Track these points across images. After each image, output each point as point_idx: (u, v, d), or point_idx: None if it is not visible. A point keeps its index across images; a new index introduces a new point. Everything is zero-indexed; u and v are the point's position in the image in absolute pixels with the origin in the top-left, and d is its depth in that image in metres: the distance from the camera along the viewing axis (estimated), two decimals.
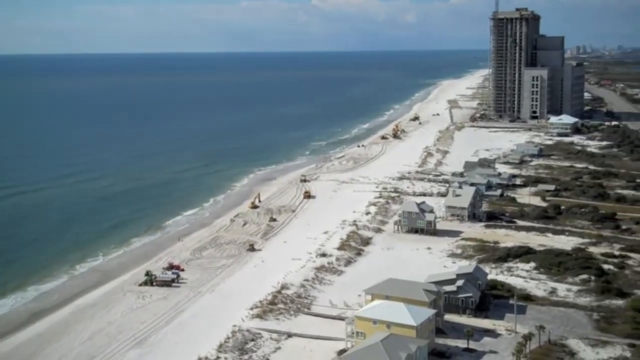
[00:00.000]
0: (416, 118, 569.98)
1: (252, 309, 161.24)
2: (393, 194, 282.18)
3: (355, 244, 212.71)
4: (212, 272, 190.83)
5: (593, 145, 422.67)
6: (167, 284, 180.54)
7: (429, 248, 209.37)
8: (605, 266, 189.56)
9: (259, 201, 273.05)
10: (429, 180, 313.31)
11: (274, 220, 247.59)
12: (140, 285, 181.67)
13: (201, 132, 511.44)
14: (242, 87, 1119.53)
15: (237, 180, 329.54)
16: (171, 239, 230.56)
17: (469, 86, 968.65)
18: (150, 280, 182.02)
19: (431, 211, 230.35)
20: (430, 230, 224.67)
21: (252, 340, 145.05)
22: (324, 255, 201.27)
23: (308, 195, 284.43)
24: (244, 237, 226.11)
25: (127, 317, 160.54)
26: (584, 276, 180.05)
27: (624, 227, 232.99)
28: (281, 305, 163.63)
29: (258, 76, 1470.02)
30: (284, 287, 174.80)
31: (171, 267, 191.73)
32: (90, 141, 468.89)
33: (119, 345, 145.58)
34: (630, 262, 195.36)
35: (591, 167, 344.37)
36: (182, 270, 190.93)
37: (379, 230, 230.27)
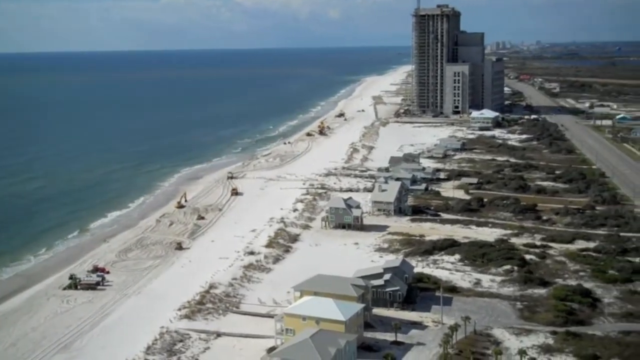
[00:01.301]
0: (341, 114, 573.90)
1: (180, 309, 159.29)
2: (320, 191, 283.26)
3: (283, 241, 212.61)
4: (138, 274, 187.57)
5: (513, 138, 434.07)
6: (92, 287, 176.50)
7: (356, 243, 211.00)
8: (528, 256, 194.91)
9: (185, 201, 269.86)
10: (355, 176, 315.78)
11: (203, 218, 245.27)
12: (65, 289, 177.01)
13: (128, 132, 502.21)
14: (166, 85, 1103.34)
15: (163, 180, 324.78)
16: (96, 241, 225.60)
17: (392, 82, 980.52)
18: (74, 283, 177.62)
19: (358, 206, 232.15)
20: (358, 226, 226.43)
21: (181, 341, 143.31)
22: (252, 253, 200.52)
23: (235, 193, 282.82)
24: (171, 237, 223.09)
25: (51, 322, 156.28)
26: (507, 267, 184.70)
27: (544, 217, 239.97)
28: (210, 305, 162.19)
29: (182, 75, 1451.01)
30: (212, 286, 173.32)
31: (96, 269, 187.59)
32: (14, 143, 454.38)
33: (44, 351, 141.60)
34: (551, 251, 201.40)
35: (512, 160, 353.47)
36: (107, 272, 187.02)
37: (306, 227, 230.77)
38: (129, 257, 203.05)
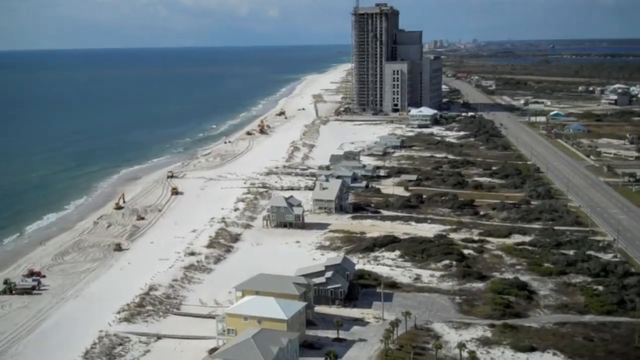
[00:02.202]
0: (282, 113, 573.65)
1: (119, 312, 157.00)
2: (261, 190, 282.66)
3: (224, 241, 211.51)
4: (75, 277, 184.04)
5: (451, 135, 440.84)
6: (27, 291, 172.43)
7: (298, 242, 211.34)
8: (466, 251, 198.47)
9: (124, 202, 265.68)
10: (297, 175, 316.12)
11: (142, 219, 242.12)
12: None
13: (65, 132, 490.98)
14: (104, 84, 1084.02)
15: (102, 181, 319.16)
16: (32, 244, 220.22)
17: (333, 80, 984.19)
18: (9, 288, 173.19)
19: (299, 205, 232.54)
20: (299, 224, 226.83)
21: (120, 344, 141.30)
22: (192, 254, 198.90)
23: (176, 192, 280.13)
24: (109, 239, 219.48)
25: None
26: (446, 262, 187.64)
27: (481, 213, 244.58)
28: (150, 307, 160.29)
29: (120, 73, 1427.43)
30: (152, 288, 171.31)
31: (31, 273, 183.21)
32: None
33: None
34: (488, 246, 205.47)
35: (450, 156, 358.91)
36: (44, 276, 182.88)
37: (248, 226, 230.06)
38: (66, 260, 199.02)
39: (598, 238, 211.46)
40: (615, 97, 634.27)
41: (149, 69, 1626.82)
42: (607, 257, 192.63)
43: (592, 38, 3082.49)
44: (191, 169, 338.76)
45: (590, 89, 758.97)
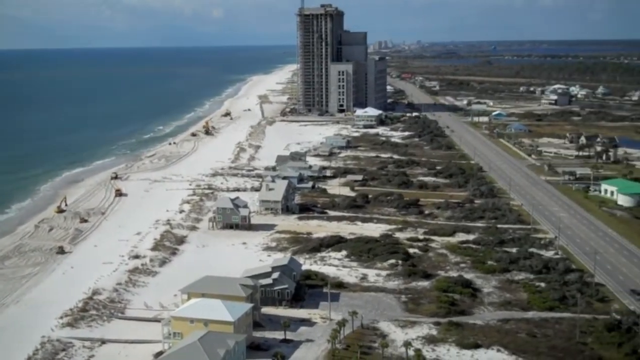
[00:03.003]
0: (227, 114, 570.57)
1: (62, 317, 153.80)
2: (207, 191, 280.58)
3: (169, 244, 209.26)
4: (16, 282, 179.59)
5: (396, 135, 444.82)
6: None
7: (244, 243, 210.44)
8: (411, 250, 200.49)
9: (66, 205, 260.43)
10: (243, 176, 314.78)
11: (86, 221, 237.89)
12: None
13: (5, 134, 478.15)
14: (47, 85, 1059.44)
15: (43, 184, 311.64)
16: None
17: (278, 81, 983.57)
18: None
19: (245, 206, 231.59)
20: (245, 225, 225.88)
21: (63, 350, 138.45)
22: (137, 257, 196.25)
23: (120, 194, 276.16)
24: (51, 243, 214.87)
25: None
26: (392, 261, 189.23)
27: (426, 212, 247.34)
28: (93, 312, 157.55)
29: (64, 74, 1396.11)
30: (95, 292, 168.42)
31: None
32: None
33: None
34: (433, 244, 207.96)
35: (395, 156, 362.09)
36: None
37: (193, 228, 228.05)
38: (6, 265, 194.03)
39: (540, 236, 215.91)
40: (555, 97, 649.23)
41: (93, 69, 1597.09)
42: (549, 254, 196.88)
43: (533, 39, 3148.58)
44: (135, 170, 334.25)
45: (531, 89, 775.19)
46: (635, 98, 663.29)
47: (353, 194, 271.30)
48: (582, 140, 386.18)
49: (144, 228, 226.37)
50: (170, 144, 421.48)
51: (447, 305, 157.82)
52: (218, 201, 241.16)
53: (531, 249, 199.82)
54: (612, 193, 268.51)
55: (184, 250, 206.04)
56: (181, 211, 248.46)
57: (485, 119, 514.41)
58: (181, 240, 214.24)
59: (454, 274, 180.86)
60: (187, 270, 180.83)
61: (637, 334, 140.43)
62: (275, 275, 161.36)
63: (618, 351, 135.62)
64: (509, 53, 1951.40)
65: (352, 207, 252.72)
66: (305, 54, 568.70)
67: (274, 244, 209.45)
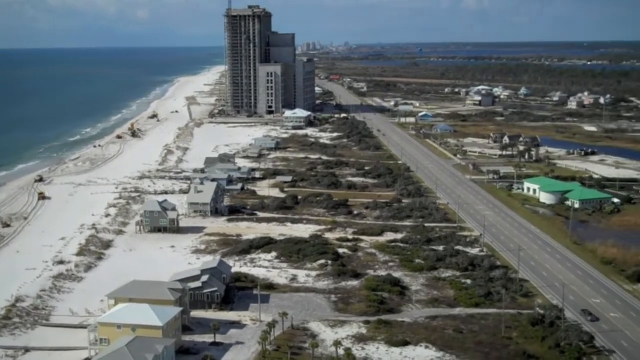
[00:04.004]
0: (154, 116, 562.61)
1: None
2: (134, 194, 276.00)
3: (95, 248, 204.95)
4: None
5: (325, 137, 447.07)
6: None
7: (172, 246, 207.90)
8: (341, 250, 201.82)
9: None
10: (171, 178, 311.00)
11: (8, 226, 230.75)
12: None
13: None
14: None
15: None
16: None
17: (206, 83, 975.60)
18: None
19: (173, 209, 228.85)
20: (174, 228, 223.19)
21: None
22: (62, 262, 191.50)
23: (43, 197, 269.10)
24: None
25: None
26: (322, 261, 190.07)
27: (355, 212, 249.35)
28: (17, 320, 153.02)
29: None
30: (18, 299, 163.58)
31: None
32: None
33: None
34: (362, 244, 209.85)
35: (324, 157, 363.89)
36: None
37: (120, 232, 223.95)
38: None
39: (466, 234, 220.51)
40: (479, 98, 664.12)
41: (15, 71, 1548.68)
42: (475, 251, 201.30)
43: (457, 41, 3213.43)
44: (59, 174, 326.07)
45: (456, 90, 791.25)
46: (556, 99, 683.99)
47: (283, 196, 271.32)
48: (506, 140, 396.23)
49: (68, 233, 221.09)
50: (95, 146, 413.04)
51: (376, 304, 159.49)
52: (145, 204, 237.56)
53: (457, 247, 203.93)
54: (534, 191, 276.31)
55: (110, 255, 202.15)
56: (107, 215, 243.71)
57: (412, 119, 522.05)
58: (107, 245, 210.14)
59: (382, 273, 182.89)
60: (114, 275, 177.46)
61: (559, 327, 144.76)
62: (205, 278, 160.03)
63: (542, 345, 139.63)
64: (434, 55, 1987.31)
65: (282, 208, 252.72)
66: (233, 55, 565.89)
67: (203, 247, 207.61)
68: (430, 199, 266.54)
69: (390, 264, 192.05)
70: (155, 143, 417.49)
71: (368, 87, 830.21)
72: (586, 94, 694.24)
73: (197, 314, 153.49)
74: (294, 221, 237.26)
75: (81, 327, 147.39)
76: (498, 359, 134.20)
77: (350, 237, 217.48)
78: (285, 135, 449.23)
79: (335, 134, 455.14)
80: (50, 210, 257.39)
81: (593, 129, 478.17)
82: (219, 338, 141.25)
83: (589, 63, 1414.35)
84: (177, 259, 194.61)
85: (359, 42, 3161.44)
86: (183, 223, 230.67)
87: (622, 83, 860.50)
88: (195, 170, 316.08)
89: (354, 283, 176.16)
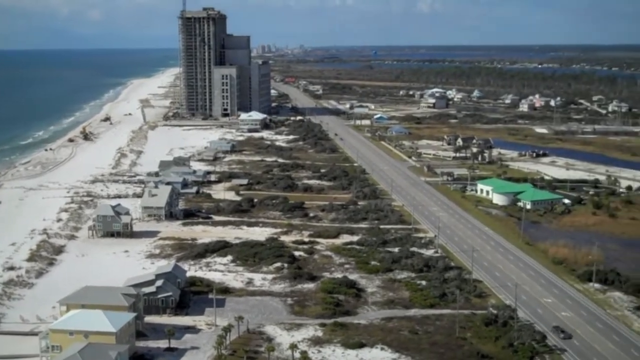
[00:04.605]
0: (107, 118, 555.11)
1: None
2: (86, 198, 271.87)
3: (46, 254, 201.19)
4: None
5: (281, 139, 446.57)
6: None
7: (126, 251, 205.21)
8: (297, 253, 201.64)
9: None
10: (124, 182, 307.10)
11: None
12: None
13: None
14: None
15: None
16: None
17: (160, 85, 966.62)
18: None
19: (127, 213, 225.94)
20: (127, 233, 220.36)
21: None
22: (12, 268, 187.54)
23: None
24: None
25: None
26: (278, 264, 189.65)
27: (311, 214, 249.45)
28: None
29: None
30: None
31: None
32: None
33: None
34: (318, 247, 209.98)
35: (280, 160, 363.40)
36: None
37: (72, 237, 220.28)
38: None
39: (420, 235, 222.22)
40: (433, 100, 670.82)
41: None
42: (429, 253, 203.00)
43: (411, 45, 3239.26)
44: (9, 178, 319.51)
45: (411, 93, 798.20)
46: (507, 101, 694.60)
47: (238, 198, 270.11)
48: (459, 142, 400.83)
49: (19, 238, 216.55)
50: (47, 150, 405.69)
51: (332, 307, 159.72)
52: (98, 208, 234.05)
53: (412, 248, 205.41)
54: (487, 192, 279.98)
55: (62, 260, 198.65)
56: (59, 220, 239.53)
57: (367, 122, 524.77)
58: (59, 250, 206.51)
59: (338, 275, 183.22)
60: (66, 280, 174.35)
61: (512, 327, 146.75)
62: (159, 283, 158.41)
63: (495, 344, 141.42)
64: (389, 58, 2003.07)
65: (238, 211, 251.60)
66: (187, 57, 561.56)
67: (157, 251, 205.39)
68: (385, 201, 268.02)
69: (346, 266, 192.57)
70: (108, 146, 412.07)
71: (323, 90, 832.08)
72: (537, 96, 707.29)
73: (151, 319, 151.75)
74: (249, 224, 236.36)
75: (32, 334, 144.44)
76: (452, 359, 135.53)
77: (306, 239, 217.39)
78: (240, 138, 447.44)
79: (291, 137, 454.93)
80: (0, 214, 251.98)
81: (544, 131, 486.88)
82: (174, 343, 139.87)
83: (539, 66, 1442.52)
84: (131, 264, 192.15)
85: (314, 45, 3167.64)
86: (137, 227, 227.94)
87: (572, 86, 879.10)
88: (149, 174, 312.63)
89: (310, 286, 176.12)
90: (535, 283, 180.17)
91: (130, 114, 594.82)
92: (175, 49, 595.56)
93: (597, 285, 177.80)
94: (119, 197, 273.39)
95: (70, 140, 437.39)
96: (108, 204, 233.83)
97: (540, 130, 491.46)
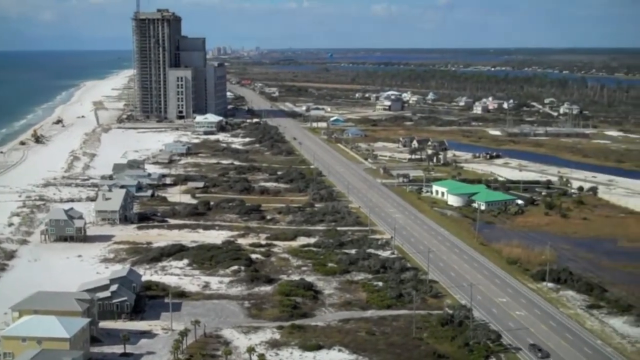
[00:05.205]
0: (59, 121, 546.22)
1: None
2: (38, 202, 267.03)
3: None
4: None
5: (237, 142, 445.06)
6: None
7: (80, 255, 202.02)
8: (254, 256, 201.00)
9: None
10: (77, 185, 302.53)
11: None
12: None
13: None
14: None
15: None
16: None
17: (114, 87, 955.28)
18: None
19: (80, 217, 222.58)
20: (81, 237, 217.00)
21: None
22: None
23: None
24: None
25: None
26: (235, 267, 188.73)
27: (268, 217, 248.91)
28: None
29: None
30: None
31: None
32: None
33: None
34: (275, 249, 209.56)
35: (237, 162, 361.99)
36: None
37: (24, 242, 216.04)
38: None
39: (377, 236, 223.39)
40: (389, 103, 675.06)
41: None
42: (386, 254, 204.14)
43: (367, 47, 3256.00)
44: None
45: (366, 95, 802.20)
46: (462, 104, 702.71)
47: (194, 202, 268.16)
48: (414, 144, 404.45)
49: None
50: None
51: (289, 309, 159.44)
52: (50, 213, 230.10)
53: (369, 250, 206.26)
54: (442, 194, 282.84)
55: (14, 266, 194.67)
56: (10, 224, 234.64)
57: (323, 124, 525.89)
58: (10, 255, 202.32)
59: (295, 277, 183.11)
60: (17, 286, 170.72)
61: (468, 327, 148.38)
62: (114, 287, 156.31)
63: (451, 344, 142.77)
64: (345, 60, 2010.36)
65: (194, 214, 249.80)
66: (142, 59, 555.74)
67: (111, 256, 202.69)
68: (342, 203, 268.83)
69: (304, 268, 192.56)
70: (60, 149, 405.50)
71: (280, 92, 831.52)
72: (490, 99, 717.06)
73: (106, 324, 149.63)
74: (206, 227, 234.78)
75: None
76: (409, 359, 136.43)
77: (263, 242, 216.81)
78: (196, 141, 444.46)
79: (247, 139, 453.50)
80: None
81: (497, 132, 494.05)
82: (129, 348, 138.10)
83: (493, 69, 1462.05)
84: (85, 269, 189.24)
85: (270, 47, 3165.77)
86: (90, 231, 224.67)
87: (524, 88, 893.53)
88: (102, 177, 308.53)
89: (267, 288, 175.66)
90: (490, 283, 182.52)
91: (83, 116, 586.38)
92: (129, 51, 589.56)
93: (550, 285, 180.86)
94: (72, 200, 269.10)
95: (22, 143, 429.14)
96: (61, 208, 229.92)
97: (494, 132, 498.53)
